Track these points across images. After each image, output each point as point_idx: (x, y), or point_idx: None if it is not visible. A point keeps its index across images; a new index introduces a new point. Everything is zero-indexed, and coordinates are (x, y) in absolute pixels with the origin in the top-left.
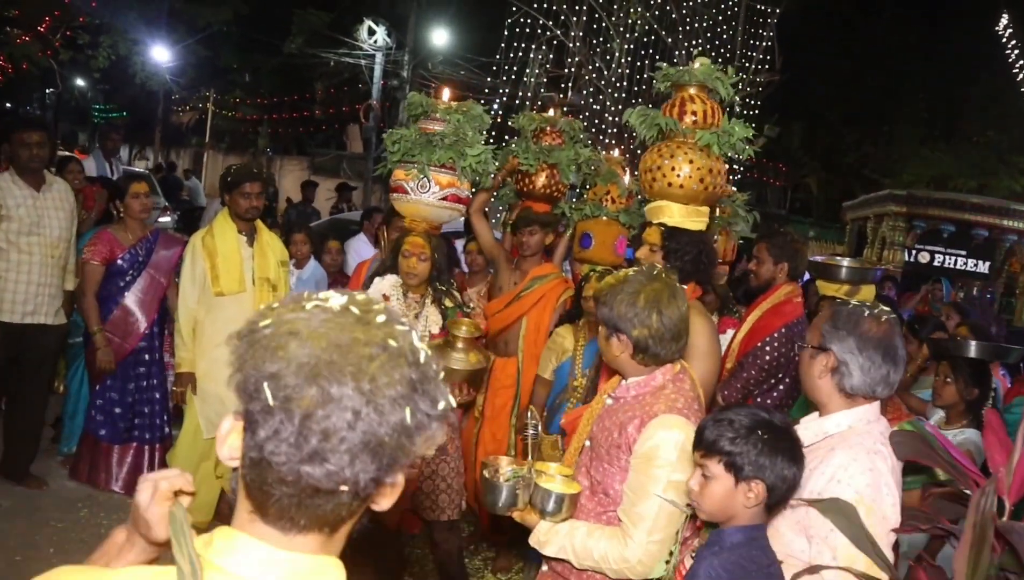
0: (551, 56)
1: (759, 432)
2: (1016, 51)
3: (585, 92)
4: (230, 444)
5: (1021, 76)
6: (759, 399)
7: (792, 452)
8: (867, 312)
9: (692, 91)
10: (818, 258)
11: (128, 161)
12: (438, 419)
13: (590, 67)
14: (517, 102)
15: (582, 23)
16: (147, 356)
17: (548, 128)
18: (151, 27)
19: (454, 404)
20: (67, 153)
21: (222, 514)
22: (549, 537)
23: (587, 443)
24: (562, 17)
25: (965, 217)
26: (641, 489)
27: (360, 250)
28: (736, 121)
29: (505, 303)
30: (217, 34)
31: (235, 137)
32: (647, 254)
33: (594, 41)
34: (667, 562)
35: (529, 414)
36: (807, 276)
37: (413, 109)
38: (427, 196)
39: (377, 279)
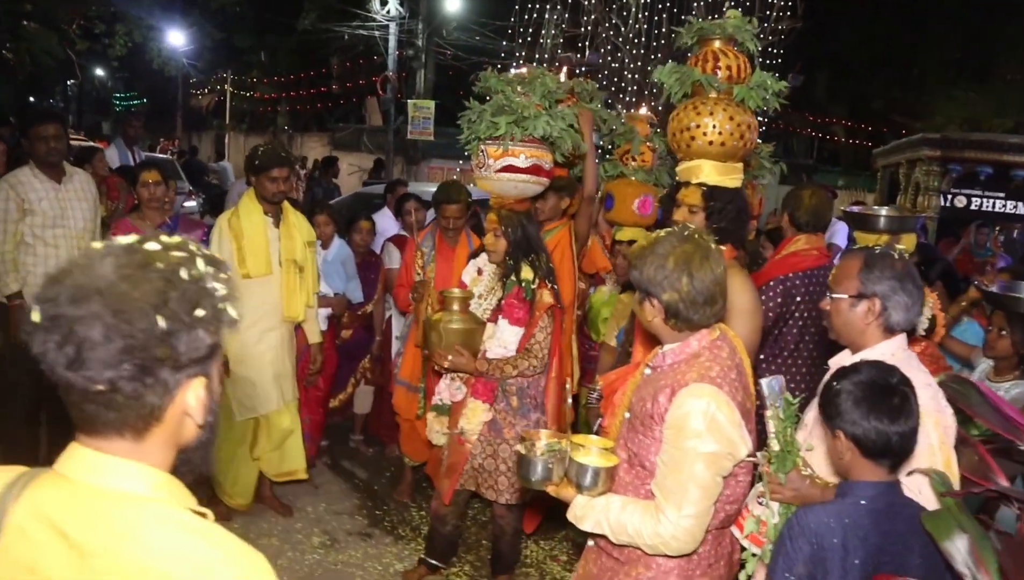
0: (567, 16)
1: (849, 387)
2: None
3: (603, 50)
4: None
5: None
6: (761, 357)
7: (879, 406)
8: (888, 252)
9: (718, 45)
10: (855, 208)
11: (152, 149)
12: (201, 324)
13: (607, 24)
14: (535, 64)
15: None
16: None
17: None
18: (165, 12)
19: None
20: (90, 144)
21: (263, 496)
22: (586, 512)
23: (627, 414)
24: None
25: (1003, 158)
26: (672, 462)
27: (384, 225)
28: (766, 74)
29: None
30: (231, 15)
31: (255, 117)
32: (686, 216)
33: None
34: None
35: (588, 388)
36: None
37: (481, 87)
38: (485, 171)
39: (475, 258)
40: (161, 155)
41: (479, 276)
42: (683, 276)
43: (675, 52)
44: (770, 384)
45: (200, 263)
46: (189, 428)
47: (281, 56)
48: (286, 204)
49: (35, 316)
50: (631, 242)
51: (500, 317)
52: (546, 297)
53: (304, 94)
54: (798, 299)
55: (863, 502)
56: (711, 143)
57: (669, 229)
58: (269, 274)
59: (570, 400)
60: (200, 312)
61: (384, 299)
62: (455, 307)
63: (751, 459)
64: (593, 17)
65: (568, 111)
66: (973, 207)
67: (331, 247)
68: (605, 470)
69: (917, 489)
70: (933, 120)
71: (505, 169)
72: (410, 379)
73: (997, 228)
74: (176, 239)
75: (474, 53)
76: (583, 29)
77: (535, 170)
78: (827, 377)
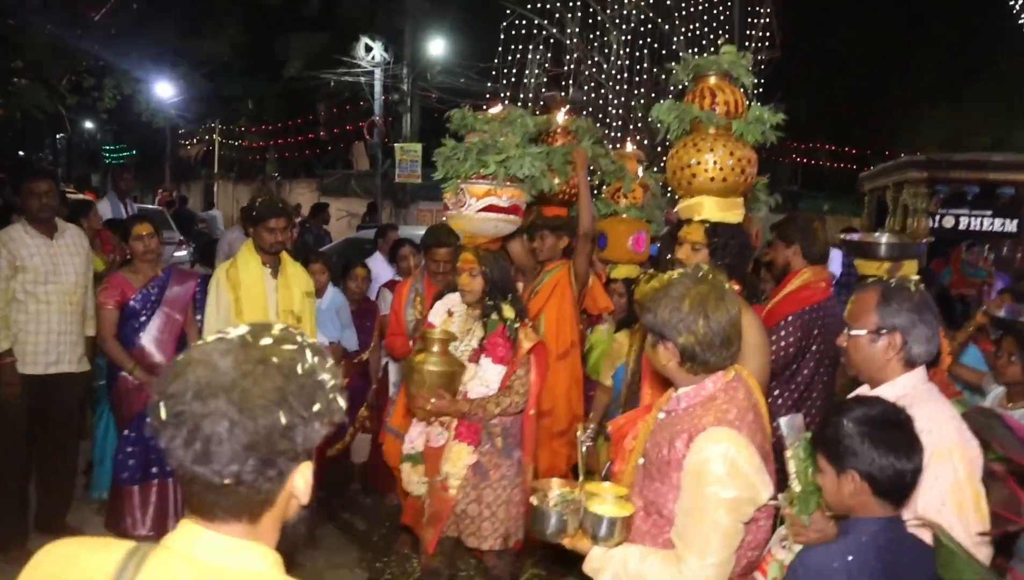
0: (549, 55)
1: (857, 424)
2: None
3: (586, 88)
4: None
5: None
6: (776, 391)
7: (892, 442)
8: (904, 283)
9: (714, 80)
10: (853, 236)
11: (141, 200)
12: (317, 418)
13: (589, 62)
14: (519, 104)
15: (577, 19)
16: None
17: (560, 129)
18: (153, 64)
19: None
20: (81, 197)
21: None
22: (603, 563)
23: (641, 461)
24: (557, 15)
25: (988, 177)
26: (692, 510)
27: (377, 271)
28: (761, 107)
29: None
30: (218, 66)
31: (243, 165)
32: (689, 254)
33: (591, 36)
34: None
35: (580, 427)
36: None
37: (455, 125)
38: (465, 210)
39: (444, 298)
40: (152, 206)
41: (449, 318)
42: (699, 318)
43: (657, 88)
44: (789, 423)
45: (309, 355)
46: (293, 507)
47: (268, 104)
48: (284, 254)
49: (162, 413)
50: (627, 280)
51: (483, 356)
52: (529, 338)
53: (292, 141)
54: (815, 333)
55: (865, 539)
56: (712, 179)
57: (682, 270)
58: None
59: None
60: (317, 406)
61: (380, 346)
62: (435, 349)
63: (773, 502)
64: (575, 55)
65: (547, 150)
66: (961, 226)
67: (325, 295)
68: (621, 520)
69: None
70: (913, 143)
71: (487, 208)
72: (399, 427)
73: (987, 246)
74: (283, 330)
75: (459, 95)
76: (566, 68)
77: (514, 209)
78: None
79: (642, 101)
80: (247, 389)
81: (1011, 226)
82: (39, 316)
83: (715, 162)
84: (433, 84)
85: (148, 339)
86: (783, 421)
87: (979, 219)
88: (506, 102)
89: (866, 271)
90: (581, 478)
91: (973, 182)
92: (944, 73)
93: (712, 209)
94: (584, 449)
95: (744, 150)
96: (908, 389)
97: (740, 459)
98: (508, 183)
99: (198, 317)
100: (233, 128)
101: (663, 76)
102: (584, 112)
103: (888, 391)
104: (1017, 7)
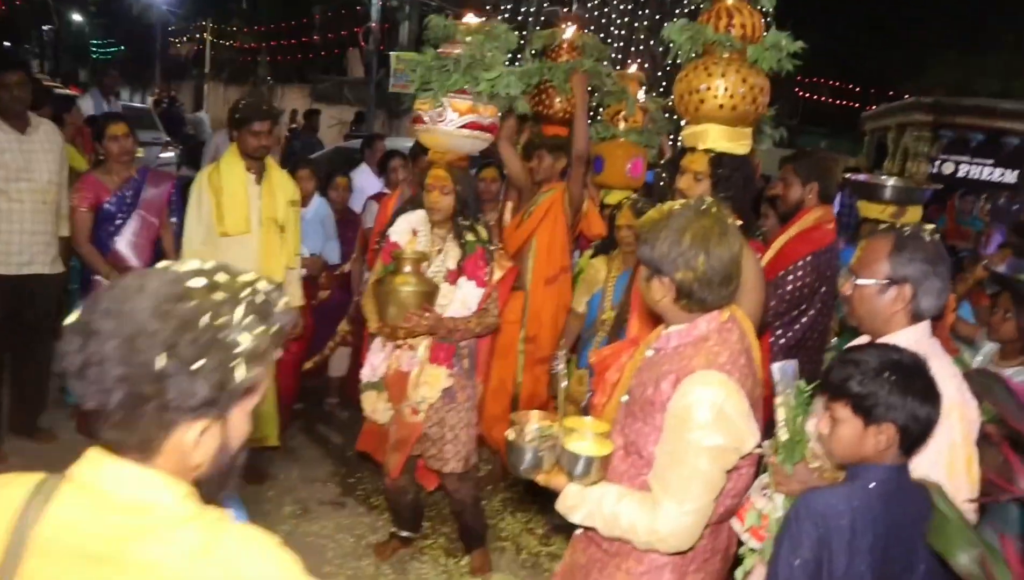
0: None
1: (887, 373)
2: None
3: (589, 5)
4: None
5: None
6: (779, 332)
7: (925, 391)
8: (918, 232)
9: (731, 1)
10: (860, 176)
11: (130, 98)
12: (200, 376)
13: None
14: (520, 18)
15: None
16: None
17: (564, 45)
18: None
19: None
20: (65, 92)
21: None
22: (577, 502)
23: (625, 398)
24: None
25: (996, 124)
26: (673, 454)
27: (364, 183)
28: (780, 33)
29: (516, 224)
30: None
31: (235, 67)
32: (691, 184)
33: None
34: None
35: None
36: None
37: (434, 33)
38: (444, 125)
39: (405, 215)
40: (139, 105)
41: (414, 237)
42: (700, 253)
43: (662, 8)
44: (783, 369)
45: (238, 312)
46: (192, 464)
47: (263, 4)
48: (270, 160)
49: (72, 316)
50: (619, 205)
51: (463, 278)
52: (503, 262)
53: (286, 44)
54: (827, 275)
55: (872, 485)
56: (721, 106)
57: (684, 201)
58: (248, 233)
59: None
60: (202, 363)
61: (362, 259)
62: (408, 269)
63: (757, 450)
64: None
65: (545, 66)
66: (960, 174)
67: (311, 205)
68: (599, 459)
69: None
70: (919, 85)
71: (468, 125)
72: None
73: (984, 196)
74: (230, 279)
75: (459, 5)
76: None
77: (492, 128)
78: (831, 360)
79: (646, 23)
80: (143, 322)
81: (1011, 177)
82: (11, 215)
83: (726, 88)
84: None
85: (123, 243)
86: (775, 367)
87: (979, 168)
88: (486, 10)
89: (869, 213)
90: (560, 412)
91: (979, 129)
92: (955, 16)
93: (718, 138)
94: (558, 372)
95: (757, 77)
96: (912, 343)
97: (728, 406)
98: (488, 100)
99: (173, 220)
100: (225, 28)
101: None
102: (586, 31)
103: (890, 343)
104: None
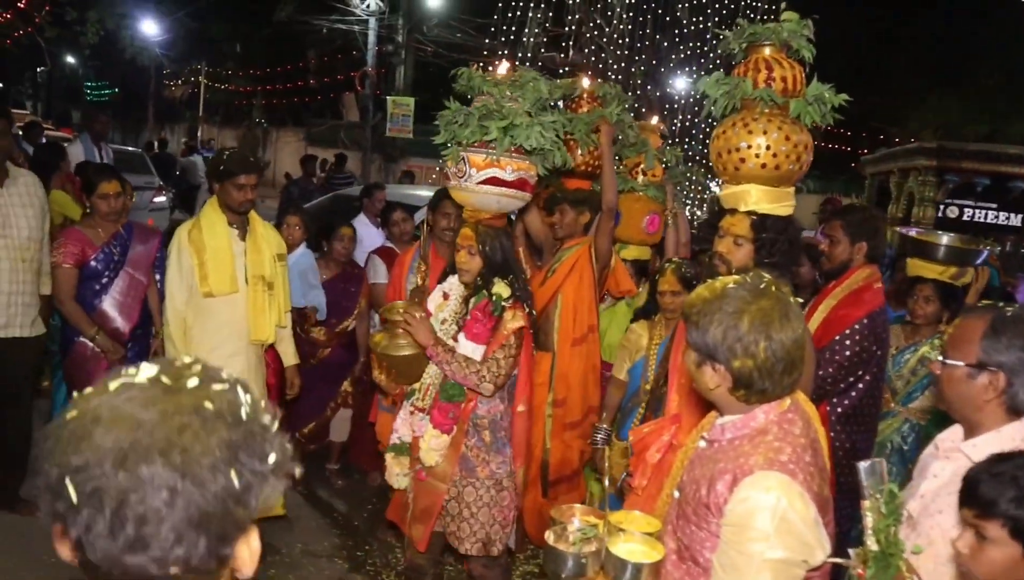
0: (550, 14)
1: None
2: None
3: (587, 50)
4: (63, 554)
5: None
6: (835, 401)
7: None
8: (1021, 314)
9: (769, 52)
10: (911, 231)
11: (123, 141)
12: (273, 473)
13: (591, 24)
14: (517, 63)
15: None
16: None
17: (584, 95)
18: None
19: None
20: (56, 134)
21: None
22: None
23: (676, 494)
24: None
25: (1001, 169)
26: (732, 567)
27: (363, 233)
28: (821, 85)
29: (540, 281)
30: (206, 5)
31: (229, 110)
32: (731, 248)
33: None
34: None
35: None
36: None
37: (461, 86)
38: (465, 181)
39: (447, 281)
40: (131, 148)
41: (445, 301)
42: (760, 339)
43: (659, 53)
44: (870, 470)
45: (242, 394)
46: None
47: (257, 48)
48: (253, 213)
49: (70, 493)
50: (636, 262)
51: (462, 333)
52: (517, 319)
53: (280, 88)
54: (883, 338)
55: None
56: (763, 166)
57: (737, 278)
58: (235, 292)
59: (592, 439)
60: (273, 458)
61: (369, 316)
62: (399, 330)
63: (834, 561)
64: (577, 16)
65: (568, 118)
66: (966, 218)
67: (293, 253)
68: (649, 566)
69: None
70: (908, 126)
71: (489, 181)
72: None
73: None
74: (202, 366)
75: (455, 50)
76: (567, 28)
77: (520, 184)
78: (977, 469)
79: (642, 67)
80: (187, 447)
81: (1016, 220)
82: None
83: (768, 147)
84: (429, 37)
85: (110, 303)
86: (862, 467)
87: (984, 212)
88: (504, 59)
89: (922, 273)
90: (606, 508)
91: (985, 174)
92: (943, 58)
93: (760, 199)
94: (599, 443)
95: (801, 134)
96: (1018, 443)
97: (792, 513)
98: (515, 154)
99: (157, 277)
100: (220, 71)
101: (664, 43)
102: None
103: (994, 442)
104: None
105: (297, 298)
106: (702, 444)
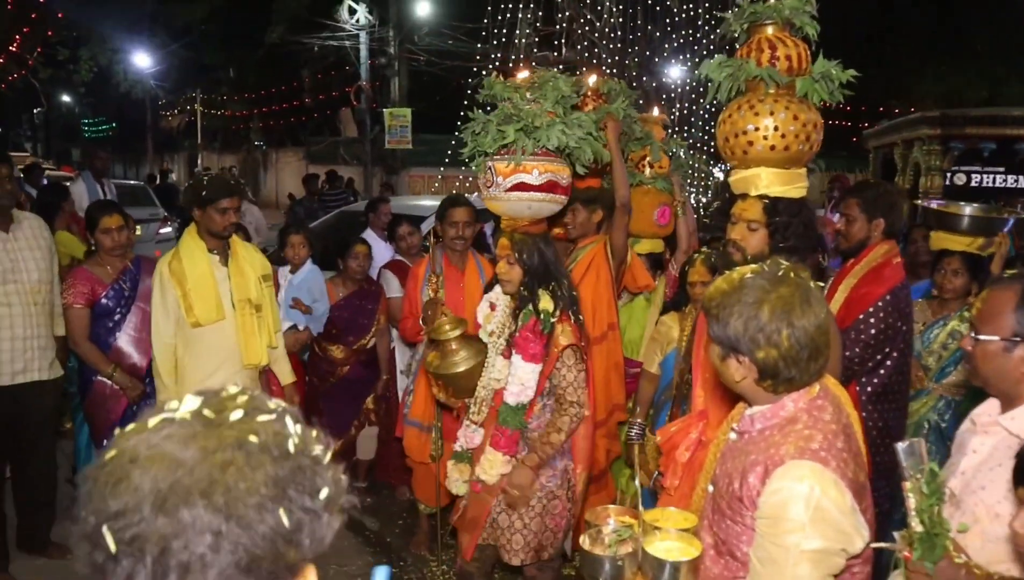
0: (540, 14)
1: None
2: None
3: (579, 47)
4: None
5: None
6: (863, 381)
7: None
8: None
9: (771, 31)
10: (933, 204)
11: (124, 174)
12: (326, 509)
13: (581, 20)
14: (511, 65)
15: None
16: (152, 400)
17: (588, 93)
18: (130, 33)
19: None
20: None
21: None
22: None
23: (711, 489)
24: None
25: (1007, 132)
26: (769, 560)
27: (373, 249)
28: (827, 62)
29: None
30: (197, 33)
31: (227, 135)
32: (744, 234)
33: None
34: None
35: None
36: None
37: (485, 96)
38: (494, 190)
39: (493, 291)
40: (134, 182)
41: (492, 312)
42: (783, 327)
43: (652, 44)
44: (908, 450)
45: (291, 424)
46: None
47: (250, 71)
48: (234, 237)
49: (108, 542)
50: (650, 255)
51: (514, 353)
52: (567, 335)
53: (276, 109)
54: (907, 313)
55: None
56: (772, 148)
57: (754, 267)
58: (222, 319)
59: (627, 434)
60: (325, 492)
61: (388, 332)
62: (451, 347)
63: (879, 546)
64: (567, 14)
65: (586, 117)
66: (974, 184)
67: (300, 271)
68: (687, 564)
69: None
70: (911, 97)
71: (516, 187)
72: (422, 419)
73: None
74: (248, 395)
75: (448, 57)
76: (557, 26)
77: (550, 187)
78: None
79: (636, 59)
80: (231, 486)
81: None
82: (0, 321)
83: (776, 127)
84: (421, 46)
85: (125, 339)
86: (900, 447)
87: (991, 176)
88: (530, 64)
89: (948, 246)
90: (640, 506)
91: (990, 138)
92: (938, 28)
93: (772, 182)
94: (634, 438)
95: (809, 113)
96: None
97: (826, 501)
98: (540, 157)
99: None
100: (215, 97)
101: (657, 33)
102: (578, 72)
103: None
104: None
105: (298, 317)
106: (732, 436)
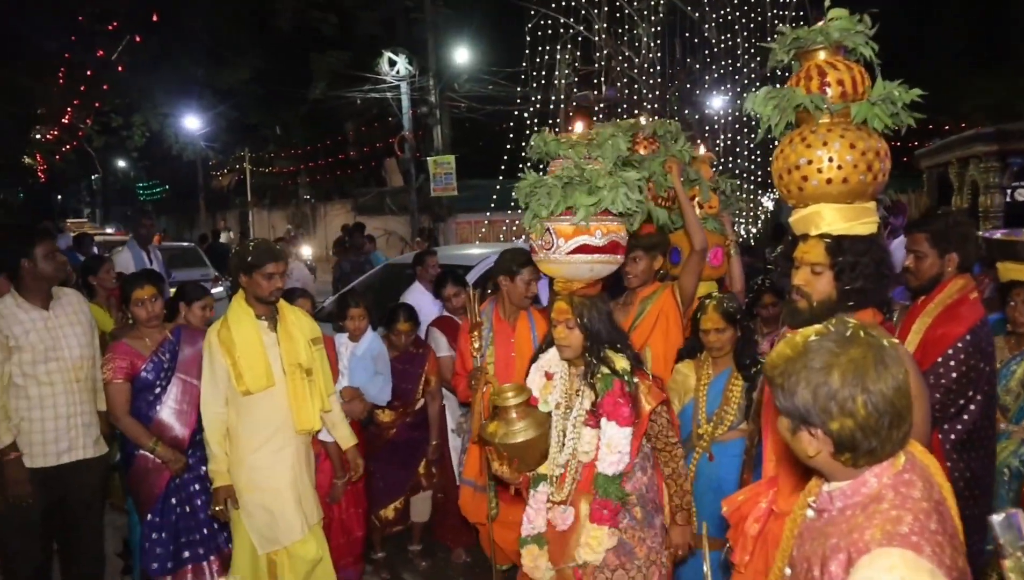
0: (578, 53)
1: None
2: None
3: (619, 84)
4: None
5: None
6: (946, 427)
7: None
8: None
9: (823, 56)
10: (996, 234)
11: (178, 235)
12: None
13: (619, 57)
14: (552, 106)
15: (604, 14)
16: (194, 472)
17: (640, 137)
18: (179, 97)
19: None
20: (115, 241)
21: None
22: None
23: (788, 572)
24: (583, 12)
25: None
26: None
27: (418, 303)
28: (889, 83)
29: None
30: (242, 94)
31: (276, 191)
32: (808, 278)
33: (619, 30)
34: None
35: None
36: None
37: (536, 153)
38: (553, 253)
39: (540, 359)
40: (184, 243)
41: (548, 381)
42: (857, 394)
43: (691, 77)
44: (1006, 523)
45: None
46: None
47: (296, 128)
48: (281, 302)
49: None
50: (707, 297)
51: (605, 419)
52: (652, 394)
53: (323, 163)
54: (989, 351)
55: None
56: (829, 181)
57: (818, 328)
58: (272, 386)
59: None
60: None
61: (440, 394)
62: (512, 415)
63: None
64: (605, 52)
65: (639, 176)
66: None
67: (362, 340)
68: None
69: None
70: (957, 112)
71: (579, 249)
72: (476, 479)
73: None
74: None
75: (488, 102)
76: (596, 65)
77: (612, 247)
78: None
79: (677, 93)
80: None
81: None
82: (42, 400)
83: (831, 159)
84: (461, 93)
85: (167, 412)
86: (995, 521)
87: None
88: (587, 117)
89: (1016, 277)
90: None
91: None
92: (982, 37)
93: (833, 219)
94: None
95: (869, 140)
96: None
97: None
98: (602, 217)
99: None
100: (263, 155)
101: (696, 65)
102: (619, 109)
103: None
104: None
105: (364, 381)
106: (810, 514)
